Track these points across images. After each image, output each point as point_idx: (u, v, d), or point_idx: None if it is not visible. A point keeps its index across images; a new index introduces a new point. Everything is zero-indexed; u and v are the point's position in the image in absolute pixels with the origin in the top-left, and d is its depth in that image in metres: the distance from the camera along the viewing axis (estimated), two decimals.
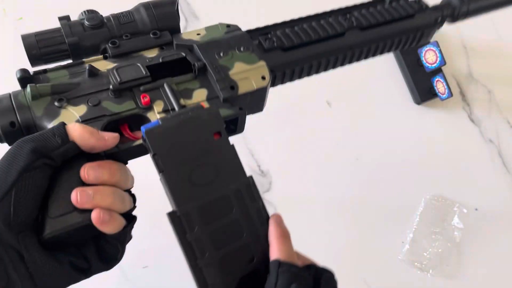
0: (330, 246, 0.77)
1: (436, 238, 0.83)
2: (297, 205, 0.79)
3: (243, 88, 0.49)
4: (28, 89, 0.44)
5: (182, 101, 0.47)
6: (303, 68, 0.57)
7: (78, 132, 0.40)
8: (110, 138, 0.42)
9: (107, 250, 0.42)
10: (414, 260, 0.81)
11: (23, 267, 0.37)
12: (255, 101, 0.52)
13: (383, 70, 0.95)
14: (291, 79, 0.58)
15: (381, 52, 0.64)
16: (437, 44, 0.87)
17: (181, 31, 0.54)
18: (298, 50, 0.56)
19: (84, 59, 0.49)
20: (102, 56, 0.50)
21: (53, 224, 0.38)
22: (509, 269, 0.83)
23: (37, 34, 0.47)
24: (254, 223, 0.42)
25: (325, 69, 0.60)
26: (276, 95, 0.91)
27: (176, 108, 0.46)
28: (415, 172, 0.88)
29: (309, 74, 0.59)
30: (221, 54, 0.51)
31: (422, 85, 0.92)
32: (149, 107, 0.46)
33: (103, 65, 0.49)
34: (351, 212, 0.83)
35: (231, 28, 0.55)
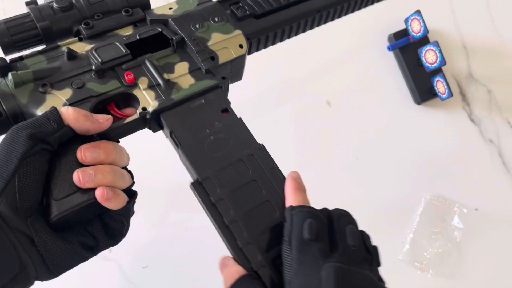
0: None
1: (436, 238, 0.83)
2: None
3: (223, 58, 0.51)
4: (10, 76, 0.44)
5: (165, 76, 0.48)
6: (276, 33, 0.58)
7: (72, 116, 0.41)
8: (104, 121, 0.43)
9: (112, 226, 0.43)
10: (414, 260, 0.81)
11: (35, 250, 0.38)
12: (235, 69, 0.54)
13: (383, 70, 0.95)
14: (266, 45, 0.59)
15: (347, 13, 0.66)
16: (437, 44, 0.87)
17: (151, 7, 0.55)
18: (270, 16, 0.58)
19: (59, 43, 0.49)
20: (77, 38, 0.49)
21: (59, 206, 0.39)
22: (509, 269, 0.83)
23: (7, 21, 0.46)
24: (271, 181, 0.45)
25: (296, 33, 0.61)
26: (276, 95, 0.91)
27: (161, 83, 0.47)
28: (415, 172, 0.88)
29: (281, 39, 0.61)
30: (197, 26, 0.52)
31: (422, 85, 0.92)
32: (134, 84, 0.47)
33: (80, 47, 0.49)
34: (351, 212, 0.83)
35: (202, 0, 0.56)
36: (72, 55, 0.47)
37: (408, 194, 0.86)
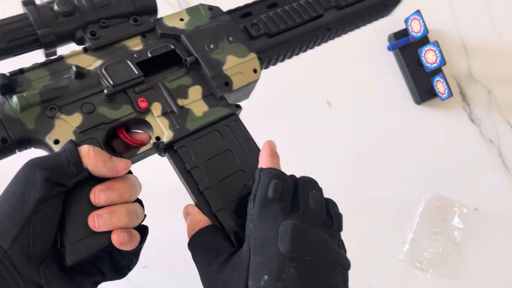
0: None
1: (436, 238, 0.83)
2: None
3: (237, 84, 0.49)
4: (15, 99, 0.40)
5: (179, 101, 0.47)
6: (286, 52, 0.57)
7: (92, 161, 0.39)
8: (122, 169, 0.41)
9: (121, 262, 0.42)
10: (414, 260, 0.81)
11: None
12: (245, 92, 0.53)
13: (383, 70, 0.95)
14: (275, 63, 0.58)
15: (353, 29, 0.65)
16: (437, 44, 0.87)
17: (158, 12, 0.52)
18: (282, 35, 0.56)
19: (63, 55, 0.45)
20: (82, 49, 0.46)
21: (73, 251, 0.38)
22: (509, 269, 0.83)
23: (2, 25, 0.42)
24: (245, 151, 0.46)
25: (305, 50, 0.61)
26: (276, 95, 0.91)
27: (175, 110, 0.46)
28: (415, 172, 0.88)
29: (290, 57, 0.60)
30: (211, 46, 0.50)
31: (422, 85, 0.92)
32: (147, 111, 0.45)
33: (86, 60, 0.46)
34: (351, 212, 0.83)
35: (215, 12, 0.53)
36: (81, 73, 0.43)
37: (408, 194, 0.86)
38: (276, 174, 0.41)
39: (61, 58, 0.45)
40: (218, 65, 0.49)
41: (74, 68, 0.43)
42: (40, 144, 0.42)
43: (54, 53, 0.46)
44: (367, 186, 0.86)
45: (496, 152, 0.92)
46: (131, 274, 0.77)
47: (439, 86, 0.90)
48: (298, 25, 0.57)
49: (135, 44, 0.48)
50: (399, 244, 0.82)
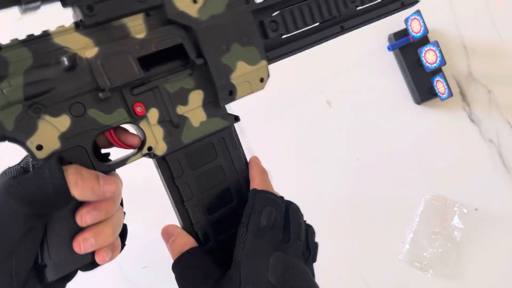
0: (330, 246, 0.77)
1: (436, 238, 0.83)
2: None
3: (240, 93, 0.45)
4: None
5: (178, 109, 0.42)
6: (294, 51, 0.52)
7: (79, 191, 0.36)
8: (110, 194, 0.38)
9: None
10: (414, 260, 0.81)
11: None
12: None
13: (383, 70, 0.95)
14: (278, 60, 0.53)
15: (362, 27, 0.60)
16: (437, 44, 0.87)
17: None
18: (296, 33, 0.51)
19: (49, 31, 0.38)
20: (73, 25, 0.38)
21: (56, 269, 0.37)
22: (509, 269, 0.83)
23: None
24: (236, 168, 0.45)
25: (312, 47, 0.56)
26: (276, 95, 0.91)
27: (173, 119, 0.42)
28: (415, 172, 0.88)
29: (296, 53, 0.55)
30: (224, 47, 0.44)
31: (422, 85, 0.92)
32: (143, 117, 0.41)
33: (77, 40, 0.38)
34: (351, 212, 0.83)
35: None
36: (72, 66, 0.37)
37: (408, 194, 0.86)
38: (270, 199, 0.42)
39: (46, 34, 0.37)
40: (227, 72, 0.44)
41: (66, 62, 0.36)
42: (20, 144, 0.37)
43: (37, 7, 0.38)
44: (367, 186, 0.86)
45: (496, 152, 0.92)
46: (131, 274, 0.77)
47: (439, 86, 0.90)
48: (317, 24, 0.52)
49: (137, 25, 0.41)
50: (399, 244, 0.82)
